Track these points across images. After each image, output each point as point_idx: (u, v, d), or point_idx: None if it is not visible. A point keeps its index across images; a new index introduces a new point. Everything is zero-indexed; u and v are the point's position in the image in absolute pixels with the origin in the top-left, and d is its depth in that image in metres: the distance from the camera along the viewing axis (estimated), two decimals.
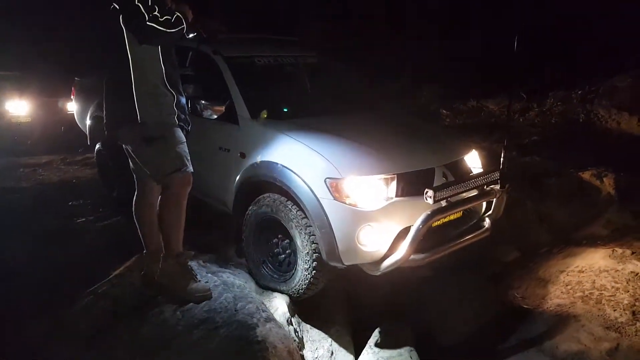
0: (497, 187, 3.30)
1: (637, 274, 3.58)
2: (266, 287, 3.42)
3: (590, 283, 3.57)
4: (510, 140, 4.13)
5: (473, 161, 3.70)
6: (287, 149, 3.26)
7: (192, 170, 2.81)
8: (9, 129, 9.04)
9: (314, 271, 3.11)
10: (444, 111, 6.86)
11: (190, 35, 2.85)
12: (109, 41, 2.69)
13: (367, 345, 3.20)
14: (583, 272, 3.72)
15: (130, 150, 2.81)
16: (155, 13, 2.50)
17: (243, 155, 3.52)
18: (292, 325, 3.12)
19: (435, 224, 3.00)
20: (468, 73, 7.28)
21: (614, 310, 3.26)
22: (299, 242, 3.11)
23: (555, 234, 4.50)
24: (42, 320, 2.70)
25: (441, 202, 2.93)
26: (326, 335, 3.29)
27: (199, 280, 2.89)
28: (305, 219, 3.04)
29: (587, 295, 3.45)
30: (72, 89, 6.11)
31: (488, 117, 6.89)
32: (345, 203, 2.88)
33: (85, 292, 2.85)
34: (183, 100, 2.83)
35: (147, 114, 2.63)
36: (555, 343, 3.08)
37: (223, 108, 3.62)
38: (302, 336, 3.23)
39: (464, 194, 3.13)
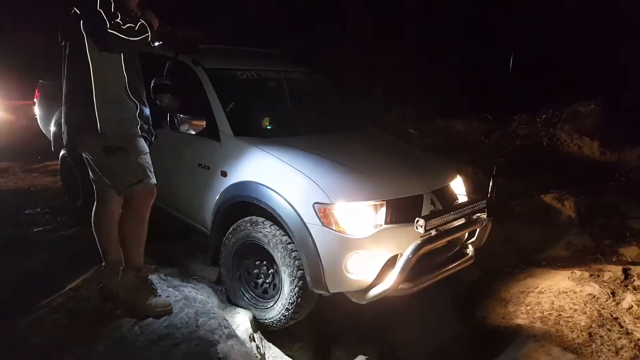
0: (484, 215, 3.29)
1: (594, 296, 3.67)
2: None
3: (549, 304, 3.64)
4: (477, 162, 4.19)
5: (458, 187, 3.68)
6: (273, 170, 3.15)
7: (154, 182, 2.72)
8: None
9: (297, 304, 3.02)
10: (413, 130, 6.96)
11: (156, 44, 2.77)
12: (69, 47, 2.59)
13: None
14: (543, 293, 3.80)
15: (90, 160, 2.72)
16: (118, 20, 2.41)
17: (224, 174, 3.38)
18: (254, 341, 3.06)
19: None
20: (437, 93, 7.41)
21: (572, 332, 3.33)
22: (286, 279, 3.01)
23: (517, 255, 4.58)
24: None
25: (430, 231, 2.89)
26: (288, 353, 3.25)
27: (159, 295, 2.82)
28: (294, 249, 2.94)
29: (546, 316, 3.51)
30: (36, 92, 5.84)
31: (455, 138, 7.01)
32: (334, 229, 2.81)
33: (38, 305, 2.72)
34: (147, 110, 2.75)
35: (108, 124, 2.54)
36: None
37: (203, 123, 3.43)
38: (265, 352, 3.16)
39: (453, 223, 3.11)
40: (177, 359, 2.29)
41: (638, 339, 3.24)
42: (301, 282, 2.95)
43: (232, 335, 2.52)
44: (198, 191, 3.60)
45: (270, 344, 3.29)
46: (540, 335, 3.29)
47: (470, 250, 3.50)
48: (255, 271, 3.28)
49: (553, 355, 3.13)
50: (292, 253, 2.94)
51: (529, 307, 3.66)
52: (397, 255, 2.91)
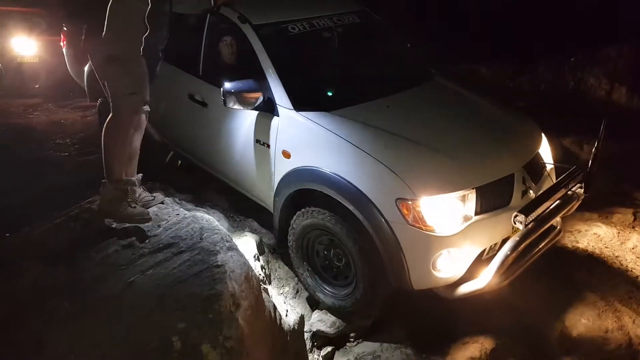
0: (581, 190, 2.90)
1: (599, 235, 3.69)
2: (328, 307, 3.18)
3: None
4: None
5: (544, 151, 3.26)
6: (347, 157, 2.77)
7: (147, 99, 2.74)
8: (8, 68, 8.01)
9: (374, 300, 2.93)
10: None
11: None
12: None
13: None
14: None
15: (92, 64, 2.76)
16: None
17: (287, 155, 3.02)
18: (258, 261, 3.21)
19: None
20: (463, 34, 7.19)
21: (571, 267, 3.40)
22: (361, 274, 2.84)
23: None
24: (12, 237, 2.80)
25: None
26: (293, 275, 3.40)
27: (135, 207, 2.86)
28: (372, 249, 2.71)
29: (546, 253, 3.55)
30: (62, 36, 4.94)
31: (480, 83, 6.84)
32: (421, 228, 2.52)
33: (57, 214, 2.92)
34: (157, 39, 2.76)
35: (114, 33, 2.56)
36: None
37: (259, 95, 3.05)
38: (270, 273, 3.33)
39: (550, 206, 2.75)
40: (179, 263, 2.45)
41: (637, 277, 3.28)
42: (379, 278, 2.77)
43: (233, 248, 2.65)
44: (258, 169, 3.33)
45: (277, 266, 3.46)
46: (540, 270, 3.34)
47: (557, 221, 3.02)
48: (327, 262, 3.15)
49: (551, 289, 3.20)
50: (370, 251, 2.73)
51: None
52: (486, 249, 2.71)
